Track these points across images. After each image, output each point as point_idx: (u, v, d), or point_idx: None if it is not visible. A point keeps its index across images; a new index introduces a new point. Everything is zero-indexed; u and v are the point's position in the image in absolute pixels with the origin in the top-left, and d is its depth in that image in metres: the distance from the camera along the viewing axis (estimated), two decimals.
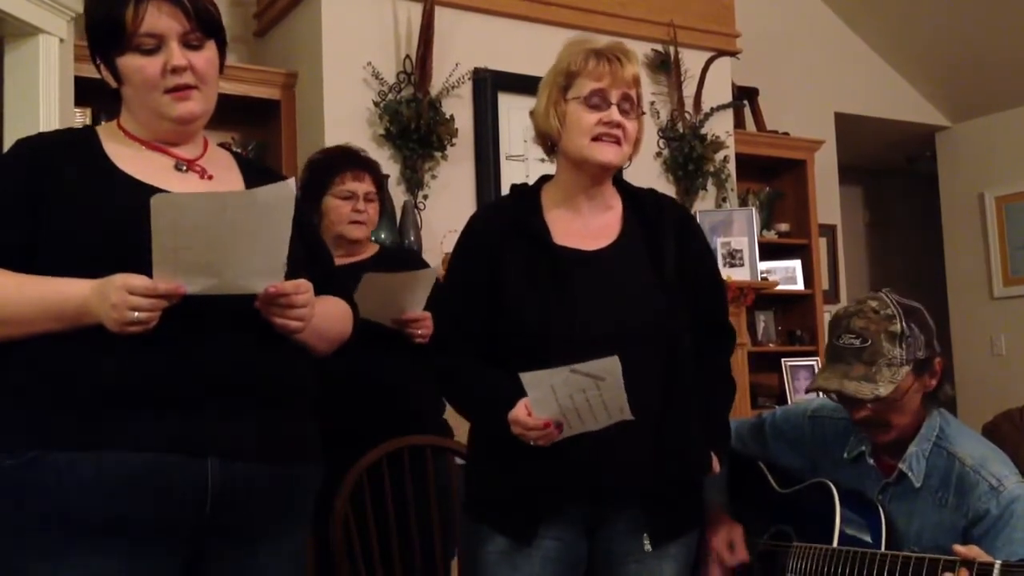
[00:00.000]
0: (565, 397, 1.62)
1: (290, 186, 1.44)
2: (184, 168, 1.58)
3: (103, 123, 1.65)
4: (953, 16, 5.49)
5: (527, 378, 1.61)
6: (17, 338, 1.43)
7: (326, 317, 1.61)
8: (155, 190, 1.49)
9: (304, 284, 1.49)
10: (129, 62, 1.51)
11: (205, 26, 1.54)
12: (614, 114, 1.80)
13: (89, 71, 3.42)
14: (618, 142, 1.81)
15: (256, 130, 4.07)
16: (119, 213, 1.46)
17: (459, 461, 2.33)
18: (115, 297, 1.36)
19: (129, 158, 1.54)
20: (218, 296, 1.42)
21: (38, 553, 1.39)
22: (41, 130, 2.81)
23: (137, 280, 1.36)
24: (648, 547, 1.77)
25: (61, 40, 3.00)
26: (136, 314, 1.36)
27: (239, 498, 1.46)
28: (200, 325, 1.43)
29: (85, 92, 3.31)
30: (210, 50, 1.56)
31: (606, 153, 1.80)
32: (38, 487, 1.38)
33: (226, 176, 1.63)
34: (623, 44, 1.86)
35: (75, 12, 3.05)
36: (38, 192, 1.47)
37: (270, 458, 1.49)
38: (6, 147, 2.86)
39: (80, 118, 3.44)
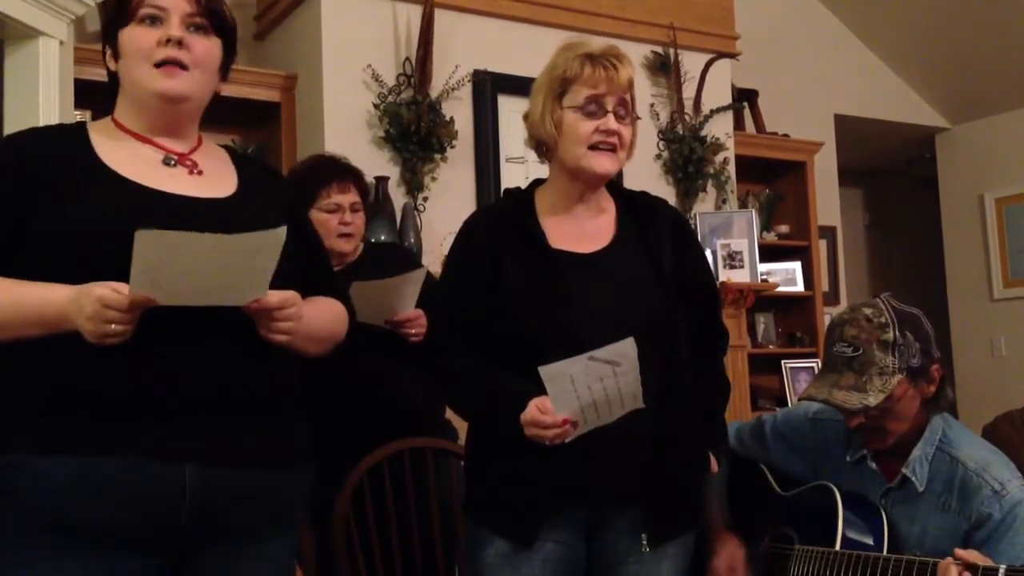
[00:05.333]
0: (584, 388, 1.61)
1: (280, 235, 1.41)
2: (173, 163, 1.56)
3: (97, 120, 1.64)
4: (953, 18, 5.50)
5: (546, 371, 1.60)
6: (2, 342, 1.42)
7: (317, 320, 1.59)
8: (140, 188, 1.48)
9: (291, 298, 1.47)
10: (129, 32, 1.51)
11: (212, 16, 1.55)
12: (610, 122, 1.79)
13: (89, 73, 3.45)
14: (614, 150, 1.81)
15: (256, 132, 4.07)
16: (100, 213, 1.44)
17: (462, 463, 2.33)
18: (90, 309, 1.35)
19: (116, 153, 1.53)
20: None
21: (13, 557, 1.38)
22: None
23: (111, 296, 1.34)
24: (646, 547, 1.77)
25: (61, 43, 2.99)
26: (112, 327, 1.35)
27: (218, 504, 1.45)
28: (180, 330, 1.41)
29: (85, 95, 3.31)
30: (212, 42, 1.56)
31: (603, 164, 1.80)
32: (14, 491, 1.37)
33: (218, 173, 1.60)
34: (617, 48, 1.85)
35: (75, 15, 3.05)
36: (22, 192, 1.45)
37: (250, 463, 1.48)
38: None
39: (80, 120, 3.44)
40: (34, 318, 1.40)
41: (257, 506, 1.50)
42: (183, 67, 1.51)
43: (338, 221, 2.51)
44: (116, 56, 1.54)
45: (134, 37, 1.51)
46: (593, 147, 1.79)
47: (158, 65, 1.50)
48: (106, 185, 1.48)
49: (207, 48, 1.55)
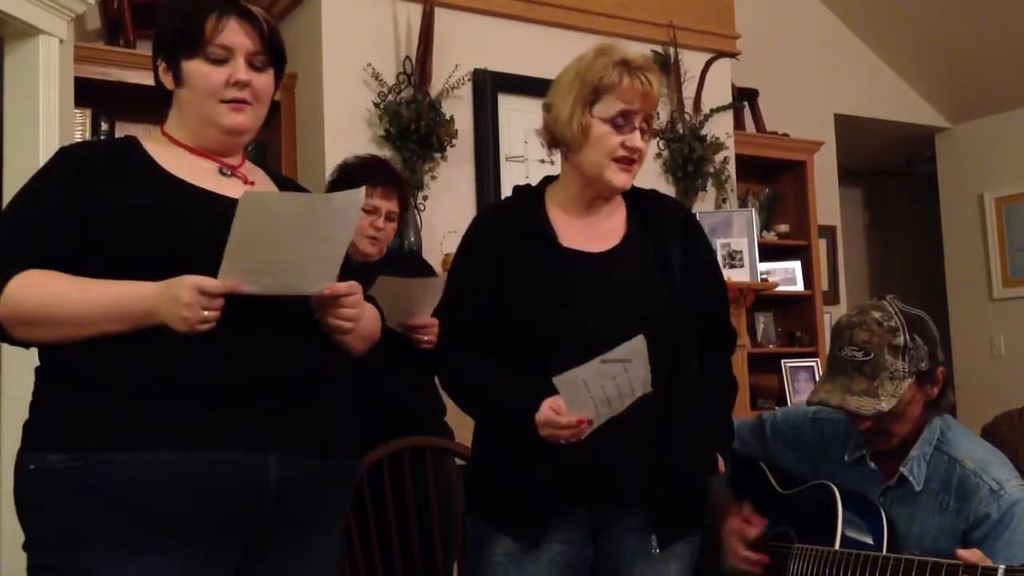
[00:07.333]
0: (597, 388, 1.63)
1: (361, 195, 1.50)
2: (228, 173, 1.62)
3: (141, 129, 1.68)
4: (953, 17, 5.49)
5: (561, 382, 1.62)
6: (78, 339, 1.45)
7: (367, 317, 1.65)
8: (202, 191, 1.55)
9: (356, 286, 1.54)
10: (196, 67, 1.57)
11: (272, 52, 1.62)
12: (636, 140, 1.80)
13: (89, 72, 3.45)
14: (632, 163, 1.82)
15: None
16: (168, 213, 1.50)
17: (459, 462, 2.33)
18: (188, 297, 1.39)
19: (174, 161, 1.58)
20: (272, 296, 1.46)
21: (105, 553, 1.40)
22: (41, 131, 2.83)
23: (208, 282, 1.40)
24: (656, 549, 1.78)
25: (61, 41, 2.99)
26: (207, 313, 1.40)
27: (297, 492, 1.50)
28: (254, 323, 1.47)
29: (85, 93, 3.31)
30: (269, 75, 1.63)
31: (621, 179, 1.82)
32: (105, 487, 1.39)
33: (264, 185, 1.68)
34: (650, 60, 1.86)
35: (75, 13, 3.05)
36: (81, 198, 1.49)
37: (324, 452, 1.54)
38: (7, 148, 2.88)
39: (80, 119, 3.44)
40: (120, 313, 1.43)
41: (327, 493, 1.57)
42: (248, 102, 1.59)
43: (370, 223, 2.57)
44: (177, 80, 1.59)
45: (202, 73, 1.57)
46: (616, 160, 1.80)
47: (224, 101, 1.57)
48: (168, 187, 1.54)
49: (266, 83, 1.62)
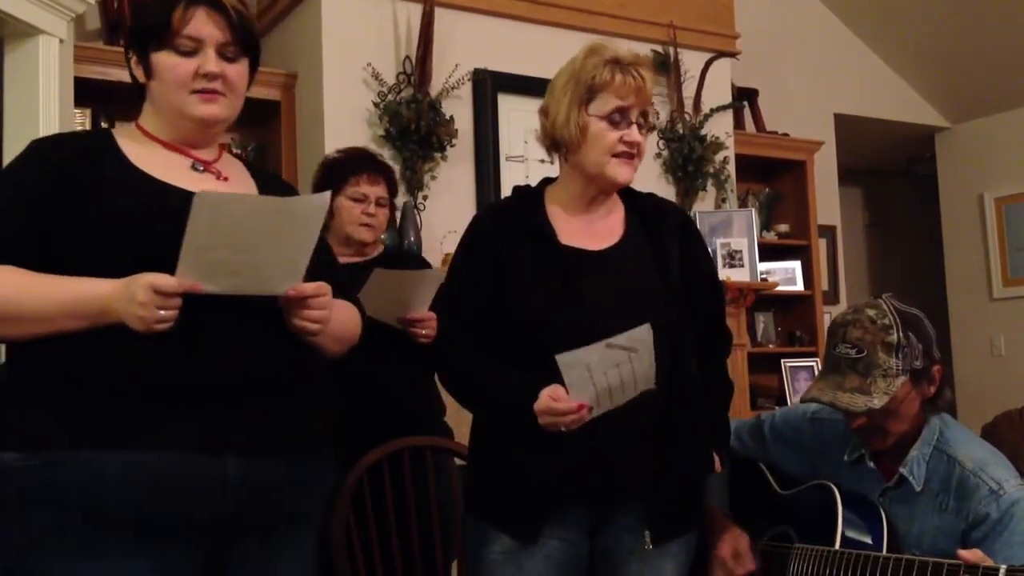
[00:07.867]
0: (600, 375, 1.63)
1: (326, 199, 1.48)
2: (201, 168, 1.60)
3: (119, 125, 1.66)
4: (953, 17, 5.49)
5: (563, 359, 1.62)
6: (36, 336, 1.44)
7: (339, 320, 1.63)
8: (170, 188, 1.52)
9: (324, 287, 1.52)
10: (164, 59, 1.55)
11: (244, 42, 1.59)
12: (634, 134, 1.81)
13: (89, 72, 3.45)
14: (633, 158, 1.83)
15: (256, 131, 4.07)
16: (133, 210, 1.48)
17: (459, 462, 2.33)
18: (143, 296, 1.38)
19: (146, 157, 1.57)
20: (237, 296, 1.44)
21: (62, 553, 1.39)
22: (41, 131, 2.82)
23: (164, 280, 1.38)
24: (649, 545, 1.78)
25: (61, 41, 3.00)
26: (163, 313, 1.39)
27: (259, 495, 1.48)
28: (218, 324, 1.45)
29: (85, 93, 3.32)
30: (243, 65, 1.61)
31: (624, 173, 1.83)
32: (62, 487, 1.38)
33: (240, 180, 1.66)
34: (646, 57, 1.87)
35: (75, 13, 3.05)
36: (53, 192, 1.48)
37: (288, 455, 1.51)
38: (6, 148, 2.88)
39: (80, 119, 3.44)
40: (76, 311, 1.42)
41: (292, 497, 1.55)
42: (220, 92, 1.56)
43: (362, 211, 2.60)
44: (147, 73, 1.57)
45: (170, 65, 1.55)
46: (616, 155, 1.81)
47: (194, 91, 1.55)
48: (136, 184, 1.52)
49: (238, 72, 1.60)
